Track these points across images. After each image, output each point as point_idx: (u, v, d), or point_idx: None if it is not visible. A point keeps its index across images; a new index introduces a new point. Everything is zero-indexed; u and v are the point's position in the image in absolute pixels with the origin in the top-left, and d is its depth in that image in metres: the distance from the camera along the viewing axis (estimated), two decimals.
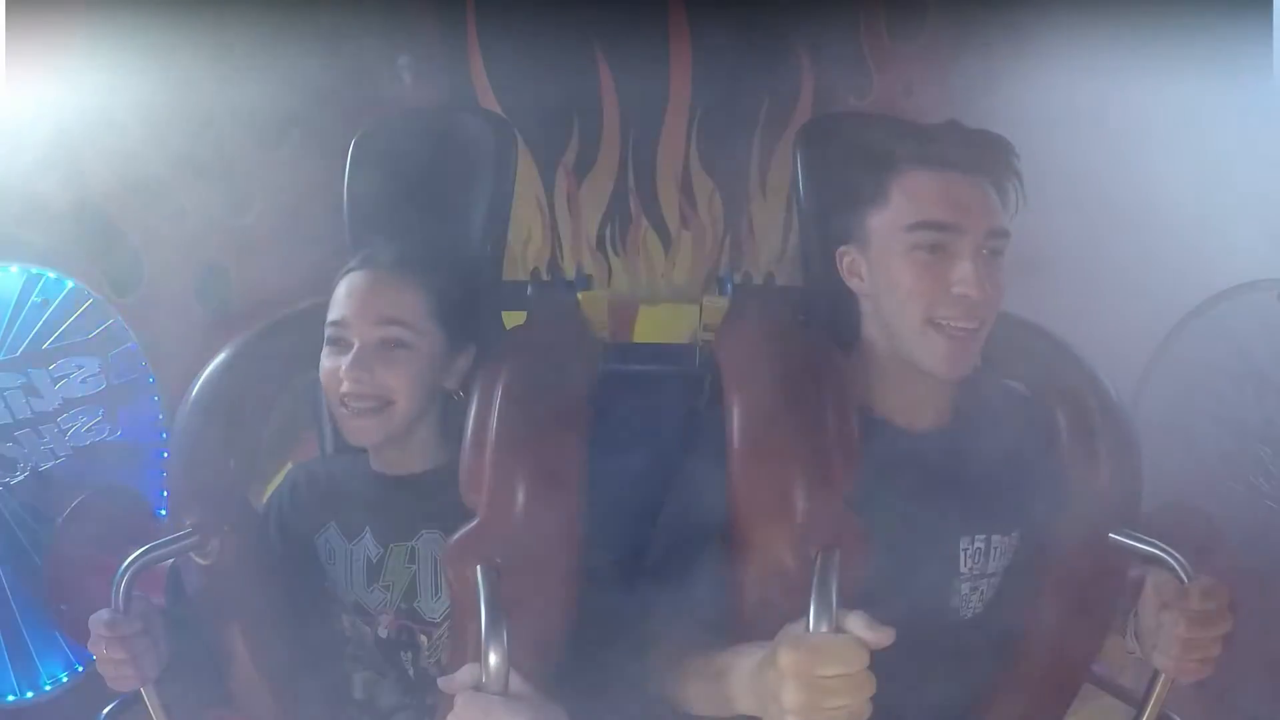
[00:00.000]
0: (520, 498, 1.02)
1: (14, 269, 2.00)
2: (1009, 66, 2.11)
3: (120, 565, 1.07)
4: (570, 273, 1.39)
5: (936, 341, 1.07)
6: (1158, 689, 1.06)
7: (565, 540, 1.03)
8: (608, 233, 2.30)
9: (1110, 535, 1.08)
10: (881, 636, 0.84)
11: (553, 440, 1.06)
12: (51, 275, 2.01)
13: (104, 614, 1.06)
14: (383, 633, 1.19)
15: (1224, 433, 2.00)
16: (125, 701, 1.20)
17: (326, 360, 1.17)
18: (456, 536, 1.03)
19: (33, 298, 1.99)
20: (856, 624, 0.84)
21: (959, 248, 1.07)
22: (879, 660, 0.83)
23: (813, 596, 0.87)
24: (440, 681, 0.96)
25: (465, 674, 0.93)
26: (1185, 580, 1.01)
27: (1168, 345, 2.06)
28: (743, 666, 0.93)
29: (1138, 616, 1.07)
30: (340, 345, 1.15)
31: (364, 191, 1.34)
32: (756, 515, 1.02)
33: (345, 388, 1.13)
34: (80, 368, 2.00)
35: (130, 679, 1.06)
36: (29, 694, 1.96)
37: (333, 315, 1.17)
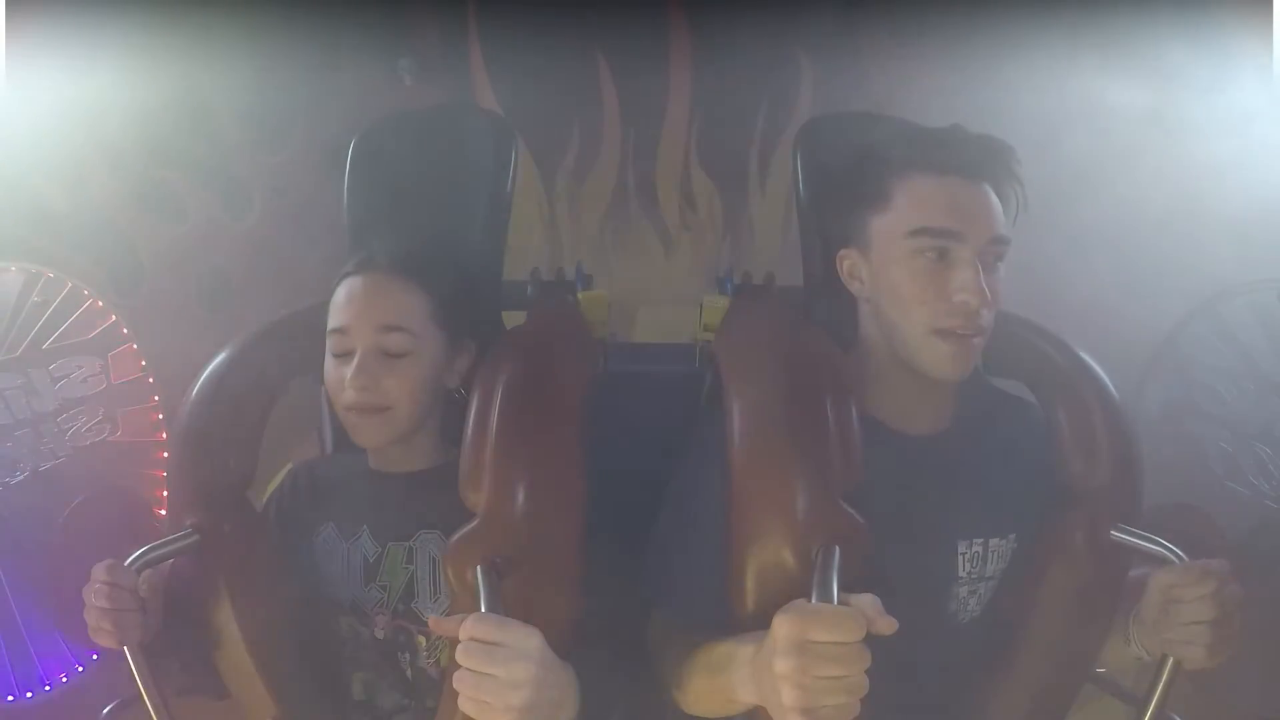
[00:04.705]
0: (520, 498, 1.02)
1: (14, 269, 2.00)
2: (1008, 68, 2.11)
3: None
4: (570, 273, 1.38)
5: (937, 346, 1.07)
6: (1163, 683, 1.06)
7: (566, 540, 1.03)
8: (608, 233, 2.30)
9: (1111, 533, 1.08)
10: (885, 623, 0.84)
11: (553, 440, 1.06)
12: (51, 275, 2.01)
13: (107, 561, 1.06)
14: (379, 633, 1.19)
15: (1224, 433, 2.00)
16: (125, 702, 1.20)
17: (331, 368, 1.16)
18: (456, 536, 1.02)
19: (33, 298, 1.99)
20: (864, 601, 0.84)
21: (960, 254, 1.06)
22: (876, 665, 0.83)
23: (814, 593, 0.87)
24: (431, 621, 0.98)
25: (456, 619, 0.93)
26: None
27: (1168, 345, 2.06)
28: (743, 654, 0.93)
29: (1139, 615, 1.07)
30: (343, 352, 1.15)
31: (364, 192, 1.34)
32: (757, 514, 1.02)
33: (351, 396, 1.13)
34: (80, 368, 2.01)
35: (109, 634, 1.06)
36: (29, 694, 1.97)
37: (333, 322, 1.17)
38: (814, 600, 0.87)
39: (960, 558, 1.13)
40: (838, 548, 0.93)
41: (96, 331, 2.04)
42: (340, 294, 1.18)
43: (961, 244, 1.06)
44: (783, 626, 0.83)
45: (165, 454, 2.01)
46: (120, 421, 2.04)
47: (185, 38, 2.05)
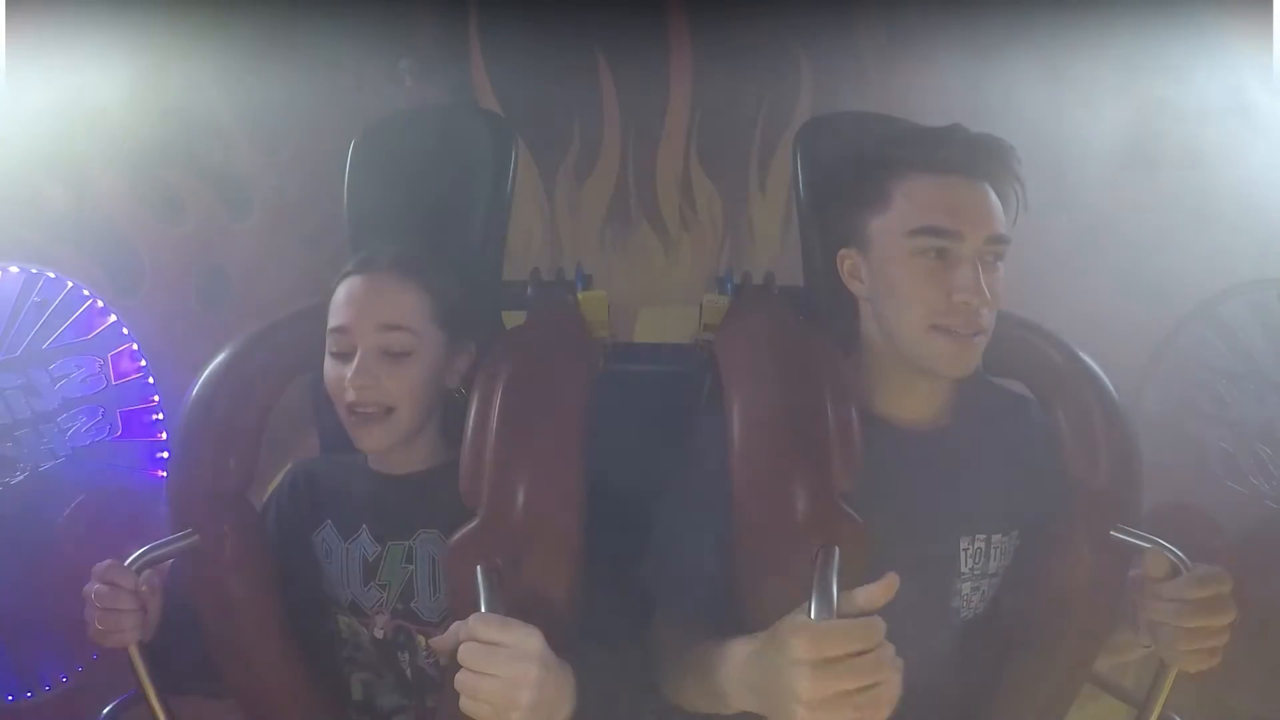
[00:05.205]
0: (520, 498, 1.02)
1: (14, 269, 2.00)
2: (1008, 67, 2.11)
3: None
4: (570, 273, 1.38)
5: (939, 344, 1.07)
6: (1164, 683, 1.06)
7: (565, 540, 1.03)
8: (608, 233, 2.30)
9: (1111, 533, 1.08)
10: (883, 588, 0.83)
11: (553, 440, 1.06)
12: (51, 275, 2.01)
13: (107, 561, 1.07)
14: (379, 633, 1.19)
15: (1224, 433, 2.00)
16: (125, 702, 1.21)
17: (330, 368, 1.16)
18: (456, 537, 1.02)
19: (33, 298, 1.99)
20: (862, 595, 0.84)
21: (960, 254, 1.06)
22: None
23: (814, 593, 0.87)
24: (433, 641, 0.97)
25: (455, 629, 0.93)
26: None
27: (1168, 345, 2.06)
28: (732, 660, 0.92)
29: (1143, 611, 1.07)
30: (343, 352, 1.15)
31: (364, 193, 1.34)
32: (756, 514, 1.02)
33: (351, 396, 1.13)
34: (80, 368, 2.01)
35: (109, 634, 1.06)
36: (29, 694, 1.96)
37: (333, 322, 1.17)
38: (813, 601, 0.86)
39: (963, 553, 1.13)
40: (837, 548, 0.93)
41: (96, 331, 2.04)
42: (340, 293, 1.17)
43: (961, 243, 1.06)
44: (796, 647, 0.81)
45: (165, 454, 2.01)
46: (120, 421, 2.04)
47: (185, 37, 2.05)
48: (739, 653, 0.92)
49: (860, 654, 0.80)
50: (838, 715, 0.80)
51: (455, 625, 0.93)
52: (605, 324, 1.34)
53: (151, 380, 2.06)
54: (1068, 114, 2.15)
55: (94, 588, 1.06)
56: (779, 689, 0.83)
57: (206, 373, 1.20)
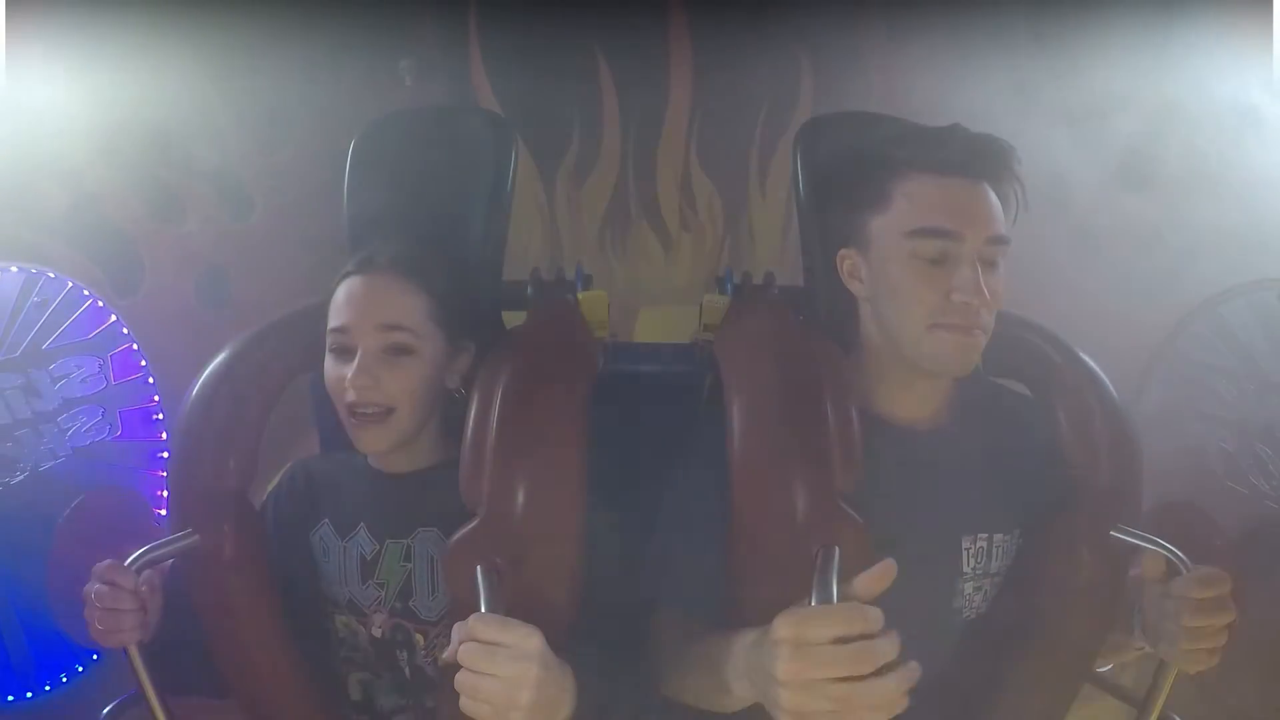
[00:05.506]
0: (520, 498, 1.02)
1: (14, 269, 2.00)
2: (1008, 67, 2.11)
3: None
4: (570, 273, 1.38)
5: (938, 337, 1.07)
6: (1164, 683, 1.06)
7: (566, 540, 1.03)
8: (608, 233, 2.30)
9: (1111, 533, 1.08)
10: (880, 574, 0.82)
11: (553, 440, 1.06)
12: (51, 275, 2.02)
13: (107, 561, 1.07)
14: (377, 632, 1.19)
15: (1224, 433, 2.01)
16: (125, 702, 1.21)
17: (331, 368, 1.16)
18: (456, 536, 1.02)
19: (33, 298, 1.99)
20: (859, 582, 0.83)
21: (960, 254, 1.06)
22: None
23: (814, 593, 0.87)
24: (442, 657, 0.97)
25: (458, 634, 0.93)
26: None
27: (1168, 345, 2.07)
28: (736, 649, 0.92)
29: (1142, 612, 1.07)
30: (343, 352, 1.15)
31: (364, 192, 1.34)
32: (757, 514, 1.02)
33: (351, 396, 1.13)
34: (80, 368, 2.01)
35: (109, 634, 1.06)
36: (29, 694, 1.97)
37: (334, 322, 1.16)
38: (813, 602, 0.86)
39: (965, 553, 1.13)
40: (837, 549, 0.93)
41: (96, 331, 2.04)
42: (340, 293, 1.17)
43: (960, 244, 1.06)
44: (780, 628, 0.82)
45: (165, 454, 2.01)
46: (120, 421, 2.04)
47: (185, 37, 2.05)
48: (744, 642, 0.92)
49: (845, 641, 0.78)
50: (817, 701, 0.78)
51: (456, 627, 0.93)
52: (605, 324, 1.34)
53: (151, 380, 2.07)
54: (1067, 114, 2.15)
55: (94, 588, 1.06)
56: (764, 671, 0.82)
57: (206, 373, 1.20)
